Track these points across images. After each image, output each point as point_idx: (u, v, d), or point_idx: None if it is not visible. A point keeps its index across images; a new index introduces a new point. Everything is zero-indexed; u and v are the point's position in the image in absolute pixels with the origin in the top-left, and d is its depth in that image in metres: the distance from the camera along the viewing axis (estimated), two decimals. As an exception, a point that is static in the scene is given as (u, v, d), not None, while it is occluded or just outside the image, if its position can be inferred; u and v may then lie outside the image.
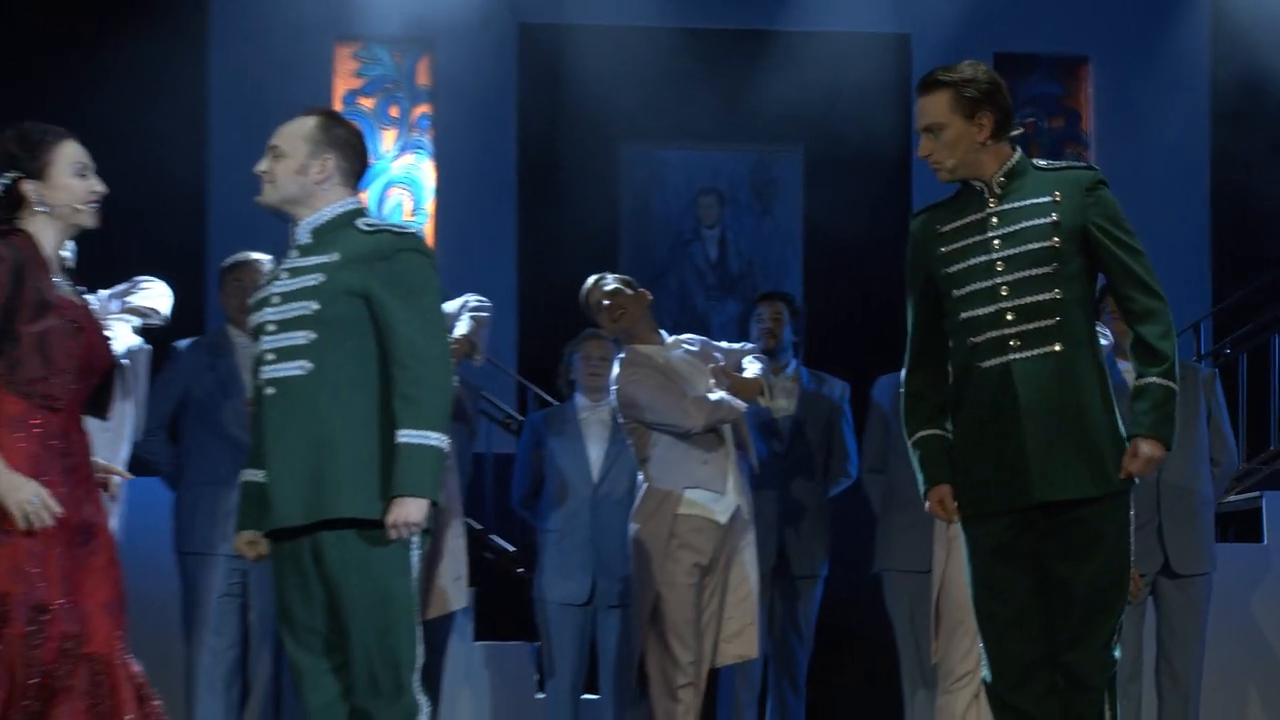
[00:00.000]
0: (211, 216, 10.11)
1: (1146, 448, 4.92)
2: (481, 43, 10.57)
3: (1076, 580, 5.00)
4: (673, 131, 10.81)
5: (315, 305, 4.91)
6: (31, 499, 4.58)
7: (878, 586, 8.08)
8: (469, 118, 10.69)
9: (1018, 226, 5.04)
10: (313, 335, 4.91)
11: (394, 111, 10.89)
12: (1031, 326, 5.02)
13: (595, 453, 7.60)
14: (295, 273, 4.97)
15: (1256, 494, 8.48)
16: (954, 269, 5.11)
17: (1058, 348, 5.01)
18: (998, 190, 5.08)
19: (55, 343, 4.72)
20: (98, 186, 4.87)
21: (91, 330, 4.83)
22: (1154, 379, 4.97)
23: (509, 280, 10.40)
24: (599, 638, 7.62)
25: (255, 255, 7.21)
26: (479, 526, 8.77)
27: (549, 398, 8.97)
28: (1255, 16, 10.63)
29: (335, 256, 4.94)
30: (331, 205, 5.05)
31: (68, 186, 4.82)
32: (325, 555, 4.89)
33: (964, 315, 5.08)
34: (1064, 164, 5.18)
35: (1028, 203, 5.05)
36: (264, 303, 5.00)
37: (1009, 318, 5.03)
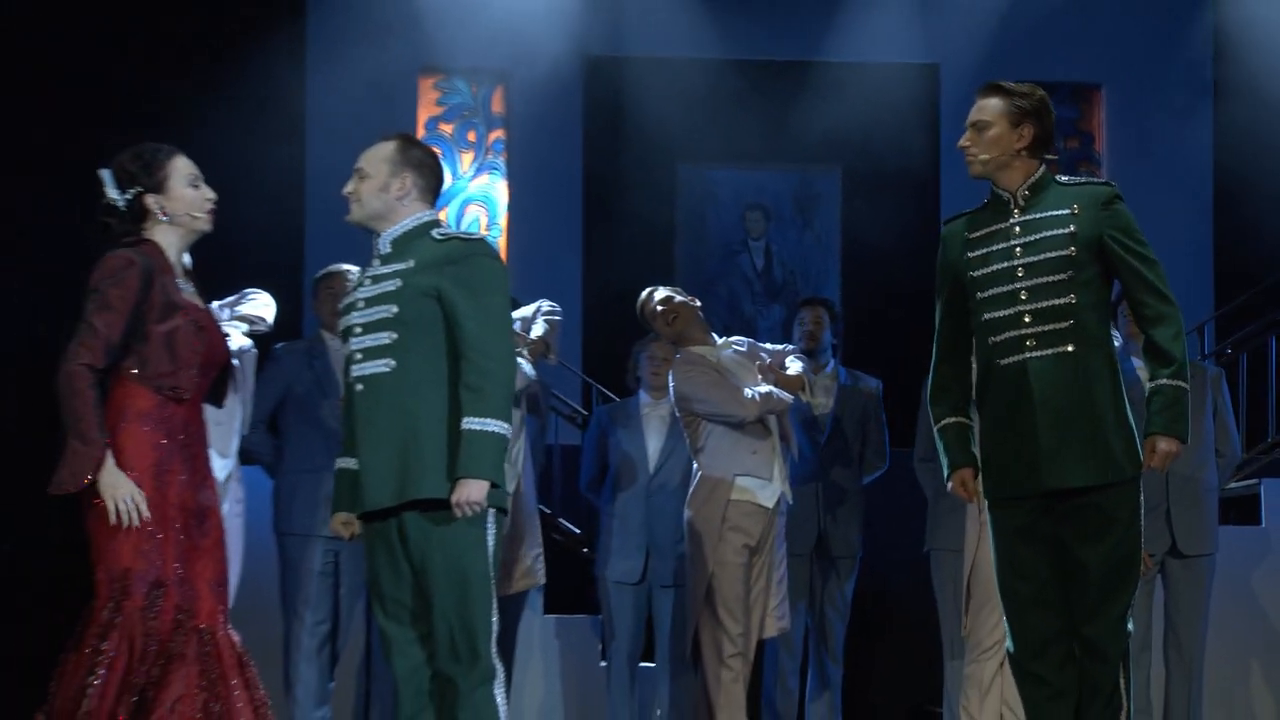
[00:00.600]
0: (308, 232, 10.14)
1: (1164, 444, 4.95)
2: (550, 74, 10.57)
3: (1092, 560, 4.99)
4: (723, 153, 10.80)
5: (395, 308, 4.95)
6: (125, 499, 4.61)
7: (911, 565, 8.07)
8: (539, 142, 10.70)
9: (1038, 236, 5.04)
10: (394, 335, 4.94)
11: (471, 136, 10.91)
12: (1047, 328, 5.01)
13: (654, 445, 7.61)
14: (377, 280, 5.01)
15: (1255, 481, 8.43)
16: (979, 273, 5.11)
17: (1071, 348, 5.00)
18: (1021, 202, 5.08)
19: (181, 340, 4.76)
20: (210, 194, 4.93)
21: (212, 329, 4.88)
22: (1166, 380, 4.97)
23: (574, 288, 10.41)
24: (654, 612, 7.63)
25: (345, 266, 7.23)
26: (547, 511, 8.77)
27: (611, 394, 8.97)
28: (1255, 48, 10.56)
29: (411, 263, 4.97)
30: (410, 218, 5.09)
31: (184, 196, 4.87)
32: (409, 534, 4.92)
33: (986, 316, 5.08)
34: (1084, 179, 5.18)
35: (1048, 214, 5.05)
36: (351, 308, 5.05)
37: (1027, 320, 5.02)
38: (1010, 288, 5.06)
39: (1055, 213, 5.03)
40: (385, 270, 5.02)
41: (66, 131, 8.93)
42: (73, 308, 9.93)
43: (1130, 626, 5.09)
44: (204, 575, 4.74)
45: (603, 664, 7.99)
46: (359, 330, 5.01)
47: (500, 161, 10.93)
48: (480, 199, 10.93)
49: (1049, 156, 5.16)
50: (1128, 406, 5.05)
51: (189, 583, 4.70)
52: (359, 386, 4.97)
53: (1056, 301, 5.01)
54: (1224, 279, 10.54)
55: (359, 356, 4.98)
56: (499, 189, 10.92)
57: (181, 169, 4.90)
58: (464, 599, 4.91)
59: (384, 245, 5.07)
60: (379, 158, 5.14)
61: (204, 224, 4.90)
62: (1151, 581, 7.43)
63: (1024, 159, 5.09)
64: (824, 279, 10.76)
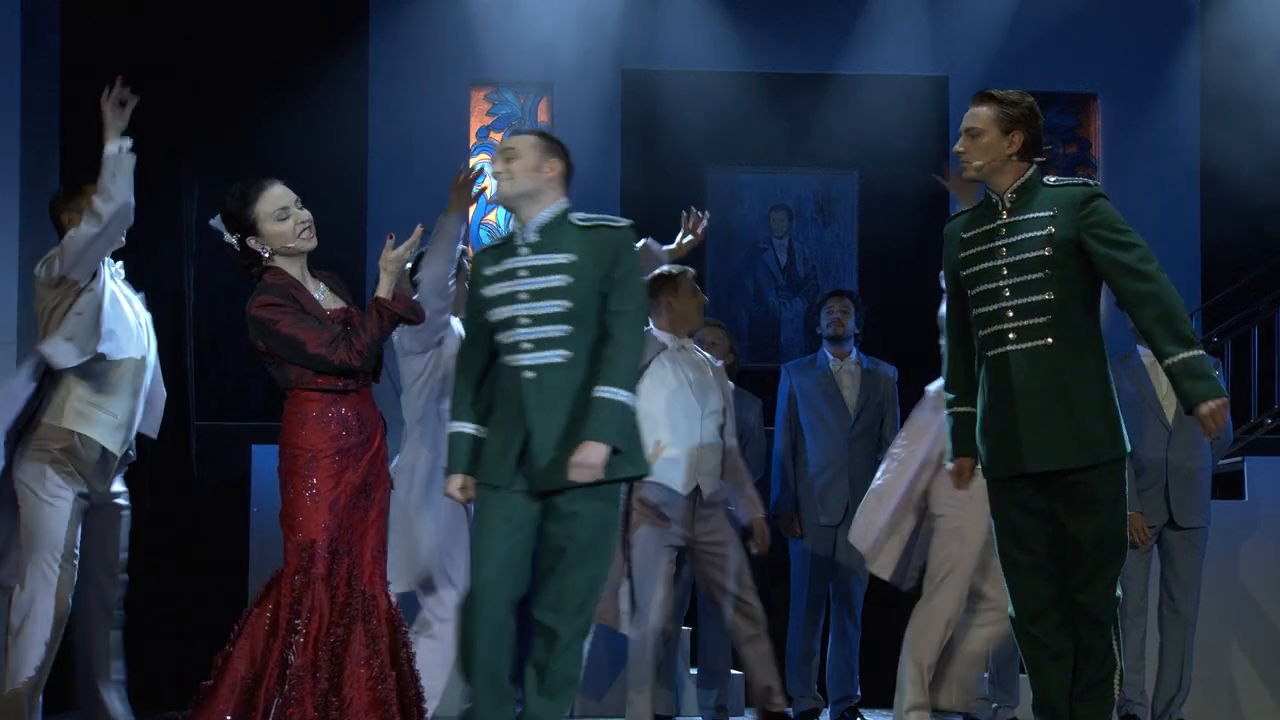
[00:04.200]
0: (370, 233, 10.17)
1: (1203, 409, 4.83)
2: (591, 86, 10.58)
3: (1083, 534, 4.99)
4: (749, 158, 10.79)
5: (569, 303, 4.92)
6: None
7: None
8: (581, 147, 10.61)
9: (1020, 236, 5.02)
10: (569, 329, 4.92)
11: (519, 143, 10.93)
12: (1027, 323, 4.99)
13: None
14: (536, 271, 4.94)
15: (1239, 459, 8.43)
16: (969, 271, 5.11)
17: (1050, 341, 4.97)
18: (1009, 204, 5.07)
19: None
20: (303, 217, 4.95)
21: (354, 322, 4.94)
22: (1170, 360, 4.87)
23: (614, 282, 10.42)
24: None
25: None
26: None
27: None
28: (1239, 57, 10.53)
29: (572, 256, 4.95)
30: (553, 205, 5.05)
31: (275, 232, 4.93)
32: (559, 508, 4.90)
33: (976, 311, 5.08)
34: (1067, 181, 5.12)
35: (1030, 216, 5.03)
36: (510, 297, 4.95)
37: (1009, 315, 5.00)
38: (995, 285, 5.05)
39: (1037, 215, 5.01)
40: (543, 261, 4.95)
41: (143, 152, 8.97)
42: (157, 313, 10.00)
43: (1119, 593, 5.08)
44: (368, 544, 4.87)
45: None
46: (526, 321, 4.93)
47: (545, 167, 10.93)
48: (527, 201, 10.95)
49: (1039, 159, 5.13)
50: (1114, 394, 5.02)
51: (356, 550, 4.82)
52: (529, 374, 4.91)
53: (1035, 298, 4.99)
54: (1210, 273, 10.51)
55: (528, 345, 4.91)
56: (544, 192, 10.93)
57: (267, 205, 4.94)
58: (597, 564, 4.94)
59: (530, 234, 5.00)
60: (527, 143, 5.11)
61: (303, 246, 4.96)
62: (1149, 551, 7.44)
63: (1015, 163, 5.07)
64: (842, 274, 10.75)
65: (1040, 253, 4.98)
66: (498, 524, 4.93)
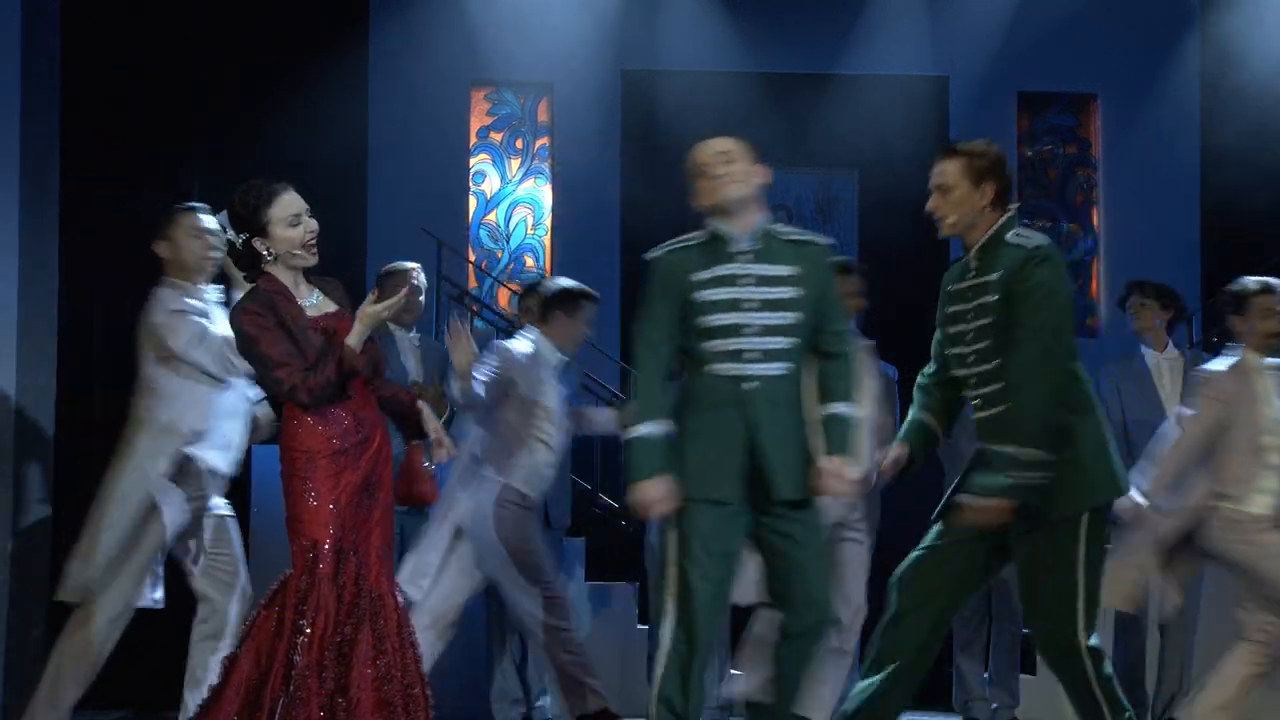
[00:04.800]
0: (370, 231, 10.16)
1: (973, 502, 4.89)
2: (591, 86, 10.57)
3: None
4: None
5: (798, 316, 4.91)
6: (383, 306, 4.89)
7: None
8: (581, 148, 10.70)
9: (979, 301, 4.96)
10: (793, 341, 4.91)
11: (519, 144, 10.91)
12: (986, 390, 4.93)
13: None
14: (763, 281, 4.90)
15: (1239, 459, 8.38)
16: (951, 331, 5.06)
17: (1004, 409, 4.89)
18: (974, 265, 5.00)
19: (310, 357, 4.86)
20: (312, 227, 4.93)
21: (343, 329, 4.92)
22: (998, 450, 4.89)
23: (614, 280, 10.40)
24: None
25: (409, 265, 7.26)
26: (588, 487, 8.78)
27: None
28: (1238, 57, 10.52)
29: (797, 270, 4.91)
30: (760, 214, 5.03)
31: (285, 237, 4.90)
32: (777, 523, 4.89)
33: (948, 352, 5.08)
34: (1023, 239, 4.95)
35: (986, 280, 4.94)
36: (732, 305, 4.89)
37: (973, 382, 4.99)
38: (960, 351, 5.03)
39: (989, 279, 4.92)
40: (771, 272, 4.92)
41: (146, 154, 8.95)
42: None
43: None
44: (373, 543, 4.86)
45: (640, 626, 7.99)
46: (754, 330, 4.88)
47: (545, 167, 10.93)
48: (527, 201, 10.94)
49: (1011, 206, 5.06)
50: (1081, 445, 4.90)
51: (361, 550, 4.80)
52: (752, 384, 4.86)
53: (986, 365, 4.93)
54: (1210, 272, 10.50)
55: (755, 355, 4.86)
56: (544, 192, 10.93)
57: (283, 209, 4.92)
58: (826, 564, 5.01)
59: (746, 241, 4.96)
60: (741, 148, 5.17)
61: (305, 259, 4.95)
62: (1147, 551, 7.43)
63: (988, 214, 4.99)
64: (842, 274, 10.74)
65: (988, 320, 4.91)
66: (719, 544, 4.87)
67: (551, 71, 10.57)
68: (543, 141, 10.90)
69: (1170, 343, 7.57)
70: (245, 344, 4.87)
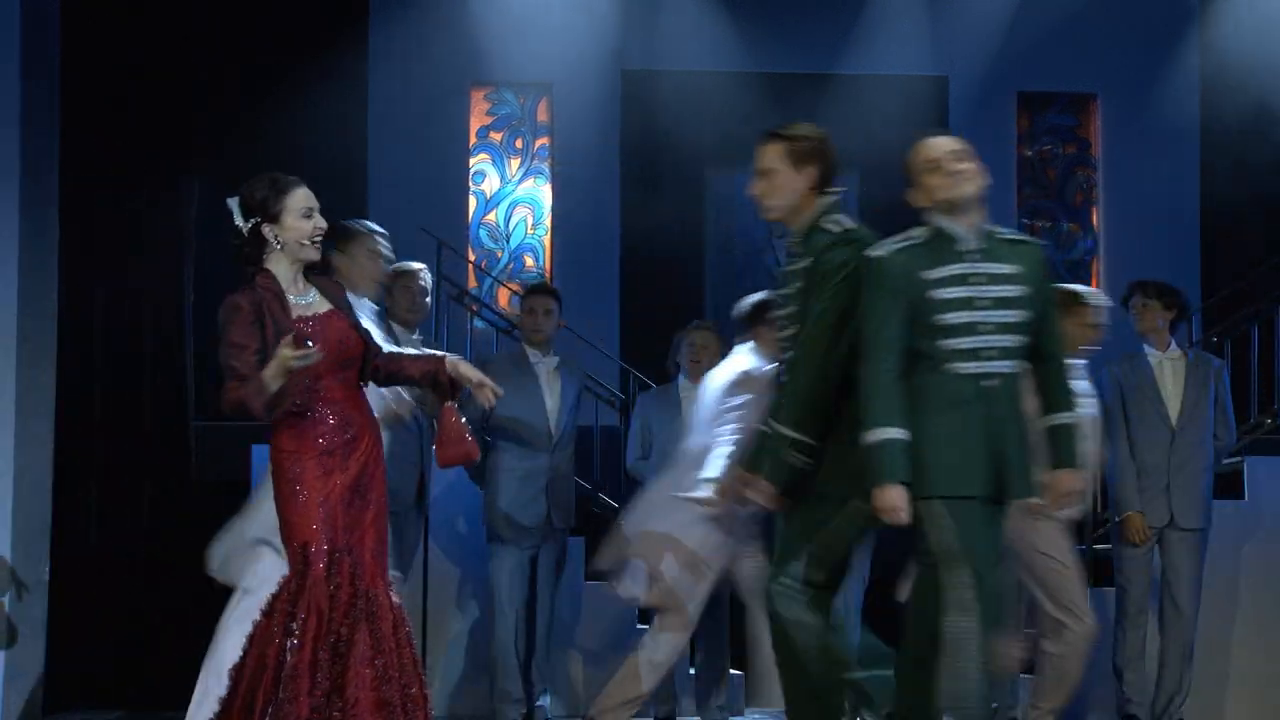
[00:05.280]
0: (370, 230, 10.15)
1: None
2: (591, 86, 10.56)
3: None
4: (748, 159, 10.67)
5: (1027, 314, 4.89)
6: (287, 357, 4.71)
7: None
8: (581, 148, 10.69)
9: (795, 281, 4.97)
10: (1023, 340, 4.91)
11: (519, 144, 10.90)
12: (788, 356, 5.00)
13: (693, 426, 7.55)
14: (994, 279, 4.87)
15: (1239, 459, 8.40)
16: (778, 295, 5.12)
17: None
18: (795, 250, 5.02)
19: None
20: (321, 224, 4.97)
21: (331, 329, 4.91)
22: (762, 425, 4.99)
23: (613, 282, 10.40)
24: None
25: (416, 265, 7.26)
26: (588, 487, 8.77)
27: (646, 379, 8.95)
28: (1238, 57, 10.52)
29: (1021, 269, 4.91)
30: (981, 211, 4.98)
31: (297, 227, 4.94)
32: (1003, 521, 4.91)
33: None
34: (834, 236, 4.97)
35: (797, 268, 4.97)
36: (967, 303, 4.85)
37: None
38: (781, 335, 5.06)
39: (801, 265, 4.96)
40: (1000, 270, 4.89)
41: (146, 154, 8.95)
42: (156, 312, 9.93)
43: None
44: (366, 544, 4.86)
45: (640, 626, 7.98)
46: (990, 328, 4.86)
47: (545, 167, 10.91)
48: (527, 201, 10.92)
49: (831, 191, 5.01)
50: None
51: (356, 550, 4.79)
52: (991, 381, 4.84)
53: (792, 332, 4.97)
54: (1210, 272, 10.49)
55: (993, 353, 4.85)
56: (544, 192, 10.91)
57: (298, 200, 4.97)
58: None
59: (973, 239, 4.94)
60: (971, 149, 5.07)
61: (310, 253, 4.99)
62: (1150, 552, 7.43)
63: (809, 199, 4.96)
64: (842, 274, 10.72)
65: (795, 308, 4.95)
66: (989, 532, 4.85)
67: (551, 71, 10.56)
68: (542, 141, 10.89)
69: (1173, 342, 7.58)
70: (221, 320, 4.86)
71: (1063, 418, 4.89)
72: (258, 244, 4.94)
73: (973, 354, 4.82)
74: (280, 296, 4.89)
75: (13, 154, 7.52)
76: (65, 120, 7.95)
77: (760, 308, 6.55)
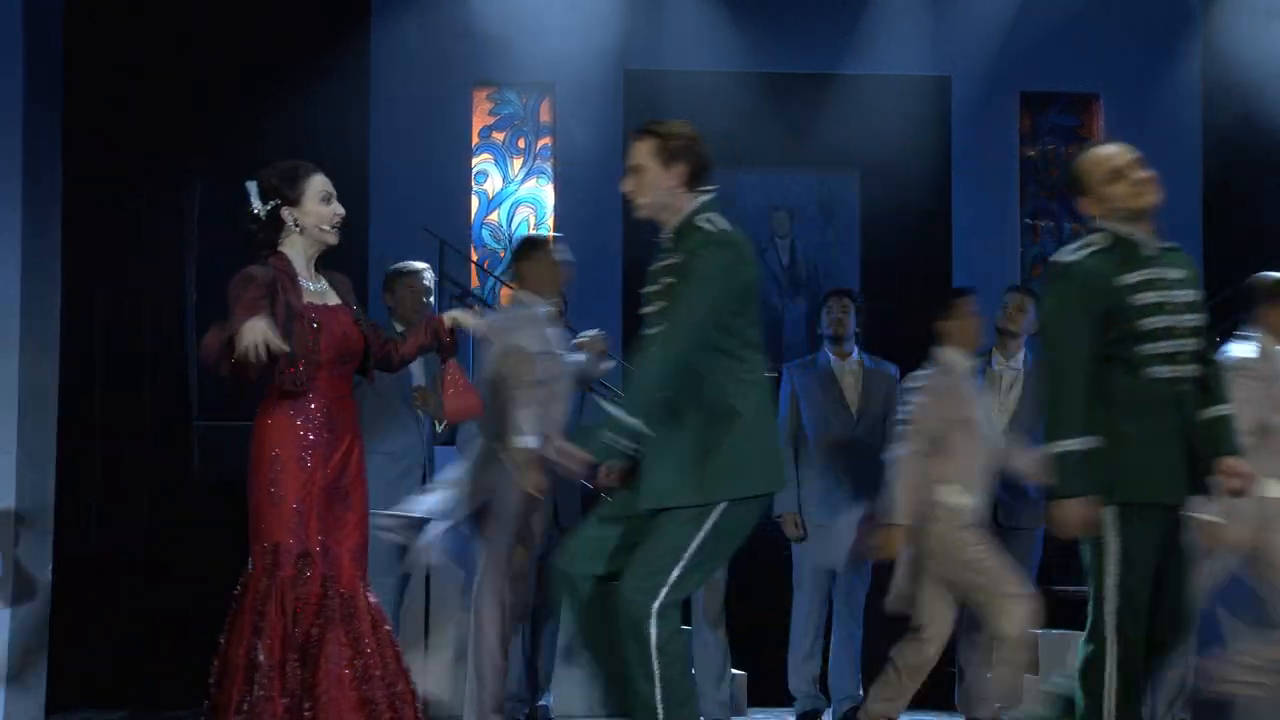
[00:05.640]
0: (372, 232, 10.15)
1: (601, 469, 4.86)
2: (593, 86, 10.56)
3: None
4: (751, 158, 10.76)
5: (1203, 318, 4.88)
6: (253, 341, 4.61)
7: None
8: (583, 148, 10.69)
9: (665, 278, 4.89)
10: (1203, 343, 4.88)
11: (521, 143, 10.91)
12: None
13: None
14: (1181, 284, 4.88)
15: (1240, 459, 8.38)
16: (645, 292, 4.99)
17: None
18: (670, 245, 4.93)
19: (296, 343, 4.83)
20: (339, 210, 5.00)
21: (336, 322, 4.92)
22: (611, 411, 4.76)
23: (615, 281, 10.40)
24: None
25: (419, 265, 7.26)
26: (592, 487, 8.74)
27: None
28: (1239, 58, 10.52)
29: (1189, 273, 4.93)
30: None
31: (316, 211, 4.97)
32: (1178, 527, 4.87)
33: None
34: (710, 236, 4.87)
35: (670, 264, 4.89)
36: (1159, 308, 4.82)
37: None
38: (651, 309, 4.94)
39: (675, 261, 4.86)
40: (1181, 275, 4.89)
41: (146, 154, 8.94)
42: (158, 312, 9.91)
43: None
44: (346, 545, 4.85)
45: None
46: (1184, 331, 4.83)
47: (547, 167, 10.92)
48: (529, 201, 10.93)
49: (705, 190, 4.93)
50: (699, 438, 4.76)
51: (332, 552, 4.79)
52: (1187, 386, 4.82)
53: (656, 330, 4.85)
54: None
55: (1186, 358, 4.82)
56: (546, 192, 10.92)
57: (317, 185, 5.00)
58: None
59: (1152, 246, 4.93)
60: None
61: (330, 237, 5.02)
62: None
63: (680, 196, 4.88)
64: (844, 274, 10.72)
65: (663, 287, 4.86)
66: (1162, 549, 4.82)
67: (553, 71, 10.56)
68: (545, 141, 10.89)
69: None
70: (232, 289, 4.82)
71: (1221, 410, 4.86)
72: (274, 228, 4.95)
73: (1170, 358, 4.79)
74: (294, 278, 4.91)
75: (14, 153, 7.52)
76: (66, 120, 7.95)
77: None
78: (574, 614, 4.89)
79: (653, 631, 4.65)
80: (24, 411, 7.45)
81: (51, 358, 7.71)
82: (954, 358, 6.75)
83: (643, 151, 4.88)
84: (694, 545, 4.72)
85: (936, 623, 6.64)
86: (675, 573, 4.69)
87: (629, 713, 4.74)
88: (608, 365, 6.90)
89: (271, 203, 4.95)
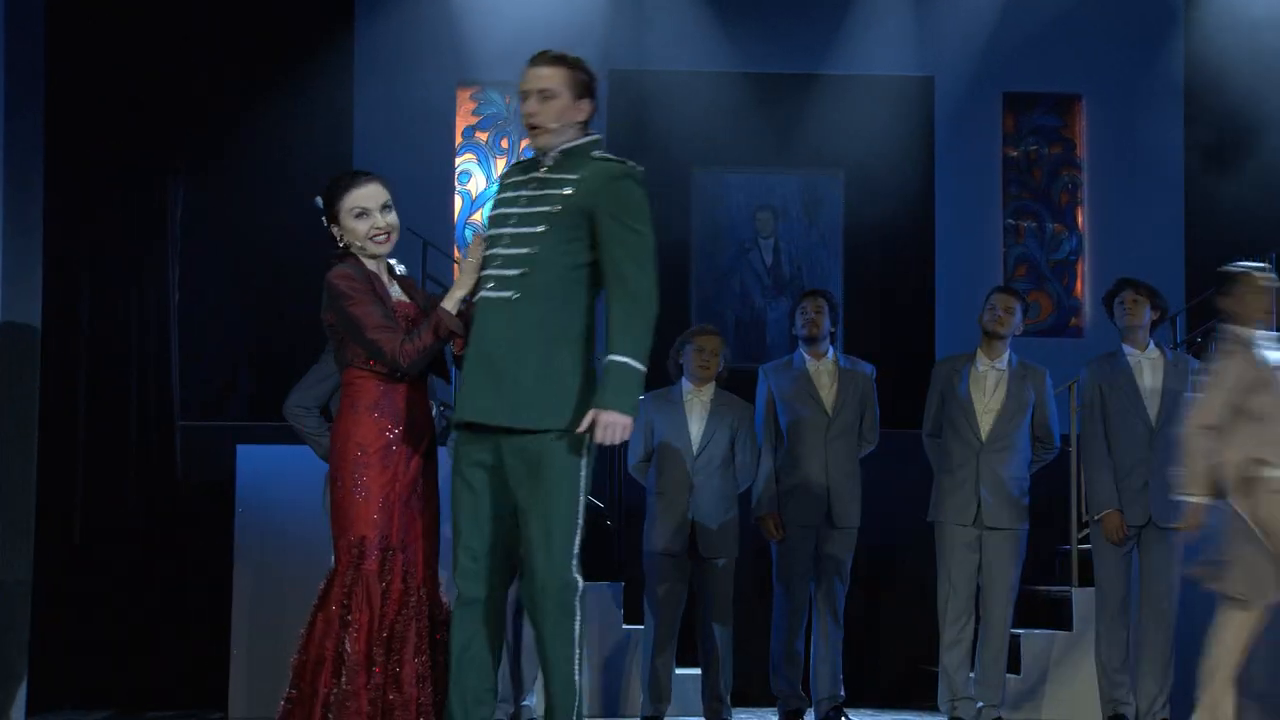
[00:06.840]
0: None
1: (604, 416, 4.58)
2: (577, 86, 10.56)
3: (526, 503, 4.68)
4: (735, 159, 10.78)
5: None
6: None
7: (908, 534, 8.02)
8: (567, 148, 10.68)
9: (542, 192, 4.73)
10: None
11: (504, 143, 10.91)
12: (507, 274, 4.70)
13: (696, 429, 7.53)
14: None
15: (1219, 459, 8.39)
16: (494, 213, 4.86)
17: (514, 296, 4.67)
18: (550, 163, 4.77)
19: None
20: (379, 223, 5.00)
21: (419, 322, 4.96)
22: (614, 357, 4.60)
23: (600, 282, 10.41)
24: (695, 582, 7.56)
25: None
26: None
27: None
28: (1221, 58, 10.55)
29: None
30: None
31: (351, 228, 5.03)
32: None
33: (486, 253, 4.79)
34: (612, 158, 4.78)
35: (560, 176, 4.73)
36: None
37: (497, 263, 4.73)
38: (503, 231, 4.76)
39: (567, 175, 4.71)
40: None
41: (131, 154, 8.94)
42: (141, 312, 9.91)
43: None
44: (420, 546, 4.90)
45: (626, 627, 7.99)
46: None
47: (531, 166, 10.92)
48: (513, 201, 10.93)
49: (594, 135, 4.83)
50: (576, 364, 4.66)
51: (410, 549, 4.87)
52: None
53: (523, 251, 4.69)
54: (1194, 273, 10.51)
55: None
56: (530, 191, 10.91)
57: (350, 201, 5.02)
58: None
59: None
60: None
61: (373, 248, 5.04)
62: (1129, 551, 7.45)
63: (579, 130, 4.78)
64: (827, 273, 10.74)
65: (548, 208, 4.68)
66: None
67: (537, 71, 10.55)
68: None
69: (1152, 343, 7.61)
70: (337, 300, 4.88)
71: None
72: (335, 241, 5.06)
73: None
74: (373, 277, 5.00)
75: (-3, 153, 7.52)
76: (48, 120, 7.94)
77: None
78: (470, 633, 4.78)
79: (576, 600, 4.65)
80: (5, 411, 7.45)
81: (33, 358, 7.71)
82: (1242, 332, 6.51)
83: (555, 78, 4.73)
84: (582, 479, 4.67)
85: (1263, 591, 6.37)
86: (578, 522, 4.66)
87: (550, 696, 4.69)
88: None
89: (323, 217, 5.06)
